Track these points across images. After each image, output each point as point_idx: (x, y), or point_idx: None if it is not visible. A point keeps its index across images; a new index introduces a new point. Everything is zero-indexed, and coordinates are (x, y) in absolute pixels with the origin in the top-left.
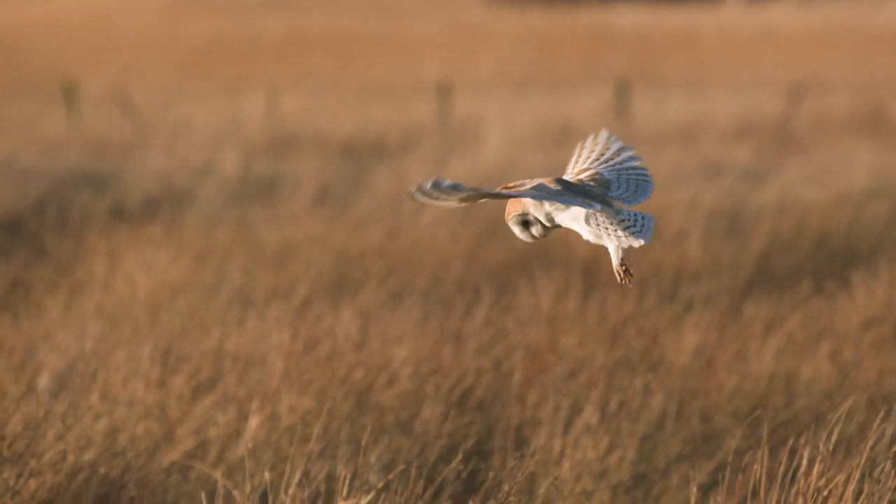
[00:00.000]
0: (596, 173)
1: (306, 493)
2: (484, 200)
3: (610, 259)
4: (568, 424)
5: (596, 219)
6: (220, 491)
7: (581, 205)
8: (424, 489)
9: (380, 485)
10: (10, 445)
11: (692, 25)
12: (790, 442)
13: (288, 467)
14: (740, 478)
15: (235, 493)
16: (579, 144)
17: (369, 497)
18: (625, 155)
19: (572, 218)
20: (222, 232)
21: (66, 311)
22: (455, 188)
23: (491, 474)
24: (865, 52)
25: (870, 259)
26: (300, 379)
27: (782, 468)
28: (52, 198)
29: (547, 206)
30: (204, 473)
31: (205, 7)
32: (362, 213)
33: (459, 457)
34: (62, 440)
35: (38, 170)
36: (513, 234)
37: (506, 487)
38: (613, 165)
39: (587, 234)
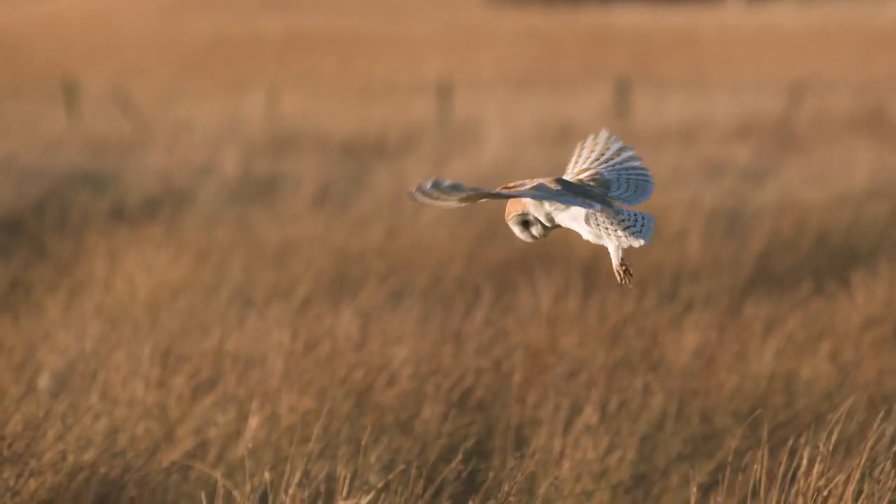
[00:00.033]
0: (596, 173)
1: (306, 493)
2: (484, 200)
3: (610, 259)
4: (568, 424)
5: (596, 219)
6: (220, 491)
7: (581, 205)
8: (424, 489)
9: (380, 485)
10: (10, 445)
11: (692, 25)
12: (790, 442)
13: (288, 467)
14: (740, 478)
15: (235, 493)
16: (579, 144)
17: (369, 497)
18: (625, 155)
19: (572, 218)
20: (222, 231)
21: (66, 311)
22: (455, 188)
23: (491, 474)
24: (865, 51)
25: (870, 259)
26: (300, 379)
27: (782, 468)
28: (52, 197)
29: (547, 206)
30: (204, 473)
31: (205, 7)
32: (362, 213)
33: (459, 457)
34: (62, 440)
35: (38, 169)
36: (513, 234)
37: (506, 487)
38: (613, 165)
39: (587, 234)
